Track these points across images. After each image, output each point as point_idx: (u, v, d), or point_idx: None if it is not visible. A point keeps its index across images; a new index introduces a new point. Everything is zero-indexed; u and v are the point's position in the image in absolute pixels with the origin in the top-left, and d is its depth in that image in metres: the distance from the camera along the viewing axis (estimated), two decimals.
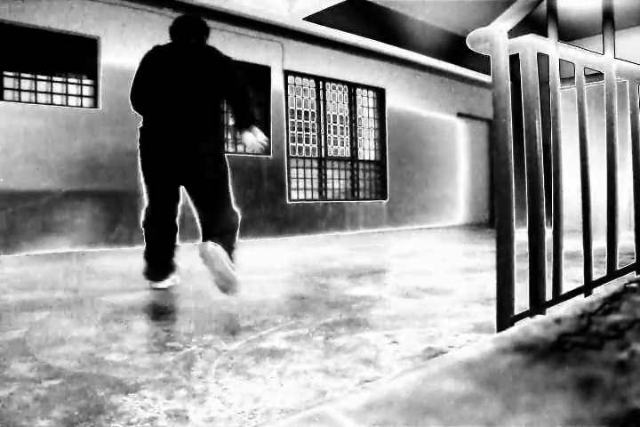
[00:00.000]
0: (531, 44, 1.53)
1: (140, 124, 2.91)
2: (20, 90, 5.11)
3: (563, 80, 1.74)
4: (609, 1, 1.62)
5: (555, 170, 1.53)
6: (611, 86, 1.53)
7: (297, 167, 7.42)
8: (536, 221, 1.47)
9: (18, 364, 1.66)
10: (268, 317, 2.31)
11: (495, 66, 1.46)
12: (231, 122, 6.80)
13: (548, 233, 1.49)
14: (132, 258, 4.62)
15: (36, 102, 5.18)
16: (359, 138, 8.27)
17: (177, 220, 3.00)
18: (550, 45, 1.52)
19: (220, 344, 1.88)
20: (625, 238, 1.91)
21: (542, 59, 1.57)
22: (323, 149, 7.73)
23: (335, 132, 7.95)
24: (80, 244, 5.33)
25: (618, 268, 1.54)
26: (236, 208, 2.93)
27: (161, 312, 2.50)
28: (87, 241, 5.37)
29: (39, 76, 5.23)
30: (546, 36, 1.53)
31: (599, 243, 1.63)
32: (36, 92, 5.20)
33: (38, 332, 2.07)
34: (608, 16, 1.54)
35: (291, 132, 7.35)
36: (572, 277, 2.14)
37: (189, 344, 1.89)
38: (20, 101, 5.08)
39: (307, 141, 7.58)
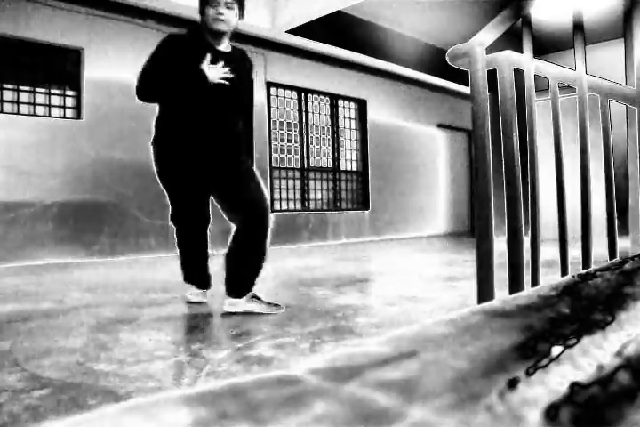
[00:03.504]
0: (507, 59, 1.60)
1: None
2: (1, 100, 5.10)
3: (540, 91, 1.82)
4: (580, 19, 1.70)
5: (532, 177, 1.60)
6: (582, 101, 1.60)
7: (279, 178, 7.46)
8: (514, 229, 1.52)
9: (6, 374, 1.67)
10: (254, 325, 2.34)
11: (474, 81, 1.52)
12: None
13: (527, 241, 1.55)
14: (116, 269, 4.60)
15: (18, 113, 5.16)
16: (341, 149, 8.36)
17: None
18: (526, 61, 1.60)
19: (208, 353, 1.90)
20: (603, 245, 1.98)
21: (520, 71, 1.64)
22: (305, 160, 7.79)
23: (317, 143, 8.03)
24: (63, 255, 5.29)
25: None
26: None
27: (146, 322, 2.51)
28: (70, 252, 5.33)
29: (21, 87, 5.22)
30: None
31: (576, 250, 1.70)
32: (18, 102, 5.19)
33: (26, 342, 2.07)
34: (579, 33, 1.62)
35: (273, 143, 7.40)
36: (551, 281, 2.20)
37: (177, 353, 1.91)
38: (2, 112, 5.06)
39: (289, 152, 7.63)
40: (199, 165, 2.60)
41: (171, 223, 2.84)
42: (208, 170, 2.62)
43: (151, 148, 2.67)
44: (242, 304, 2.60)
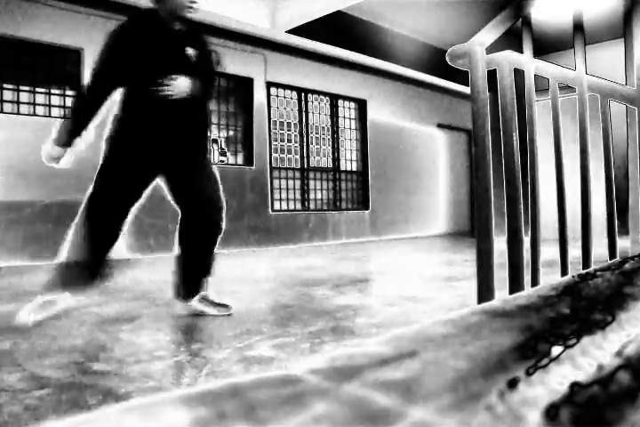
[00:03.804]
0: (507, 59, 1.60)
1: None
2: (1, 100, 5.10)
3: (540, 91, 1.82)
4: (580, 19, 1.70)
5: (532, 177, 1.60)
6: (582, 101, 1.60)
7: (279, 178, 7.46)
8: (514, 229, 1.52)
9: (6, 374, 1.67)
10: (255, 326, 2.34)
11: (474, 81, 1.52)
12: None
13: (527, 241, 1.55)
14: (116, 269, 4.60)
15: (18, 113, 5.16)
16: (341, 149, 8.36)
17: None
18: (526, 61, 1.60)
19: (208, 353, 1.90)
20: (603, 245, 1.98)
21: (520, 71, 1.64)
22: (305, 160, 7.79)
23: (317, 143, 8.02)
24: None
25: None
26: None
27: (146, 322, 2.51)
28: None
29: (21, 87, 5.22)
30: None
31: (577, 250, 1.70)
32: (18, 102, 5.19)
33: (26, 343, 2.07)
34: (579, 33, 1.62)
35: (273, 143, 7.40)
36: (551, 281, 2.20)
37: (177, 353, 1.91)
38: (2, 112, 5.06)
39: (289, 152, 7.63)
40: (154, 146, 2.47)
41: (86, 203, 2.54)
42: (163, 152, 2.49)
43: (111, 128, 2.56)
44: (190, 306, 2.58)
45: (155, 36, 2.44)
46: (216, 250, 2.62)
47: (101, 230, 2.53)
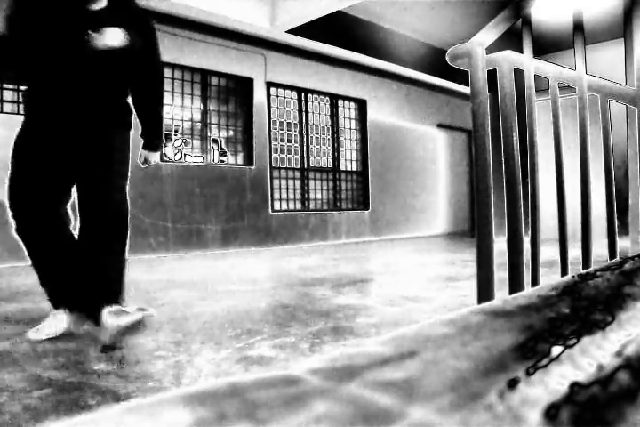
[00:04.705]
0: (507, 59, 1.60)
1: None
2: (1, 100, 5.10)
3: (539, 92, 1.82)
4: (580, 19, 1.70)
5: (532, 177, 1.60)
6: (582, 101, 1.60)
7: (279, 178, 7.46)
8: (514, 229, 1.53)
9: (6, 374, 1.67)
10: (254, 326, 2.34)
11: (474, 81, 1.52)
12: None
13: (527, 241, 1.55)
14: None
15: (18, 113, 5.16)
16: (341, 149, 8.36)
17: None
18: (525, 61, 1.60)
19: (208, 353, 1.90)
20: (603, 245, 1.98)
21: (520, 71, 1.64)
22: (305, 160, 7.79)
23: (317, 143, 8.03)
24: None
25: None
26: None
27: (146, 322, 2.51)
28: None
29: (22, 87, 5.22)
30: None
31: (577, 250, 1.70)
32: (18, 102, 5.19)
33: (26, 342, 2.06)
34: (579, 33, 1.62)
35: (273, 143, 7.40)
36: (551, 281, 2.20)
37: (177, 353, 1.91)
38: (2, 112, 5.06)
39: (289, 152, 7.63)
40: (65, 133, 2.18)
41: (11, 218, 2.16)
42: (73, 140, 2.20)
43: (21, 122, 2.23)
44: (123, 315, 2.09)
45: (53, 14, 2.11)
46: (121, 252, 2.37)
47: (35, 236, 2.16)
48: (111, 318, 2.05)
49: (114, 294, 2.17)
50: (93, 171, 2.22)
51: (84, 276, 2.18)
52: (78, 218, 2.22)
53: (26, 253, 2.19)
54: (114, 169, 2.29)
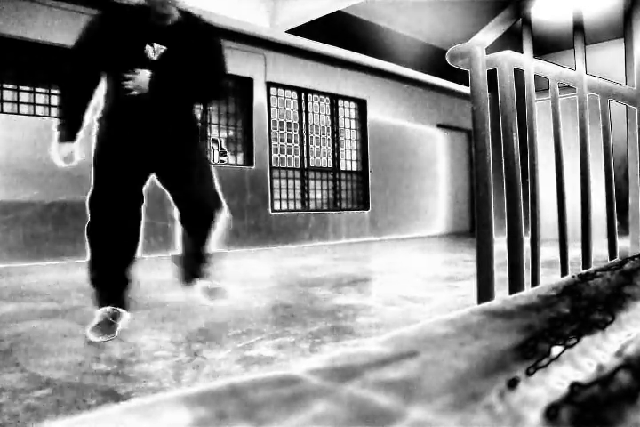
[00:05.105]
0: (507, 59, 1.60)
1: None
2: (1, 100, 5.10)
3: (539, 92, 1.82)
4: (580, 19, 1.70)
5: (532, 177, 1.60)
6: (582, 101, 1.60)
7: (279, 178, 7.46)
8: (514, 229, 1.53)
9: (6, 374, 1.67)
10: (254, 326, 2.34)
11: (474, 81, 1.52)
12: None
13: (527, 241, 1.55)
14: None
15: (18, 113, 5.16)
16: (341, 149, 8.36)
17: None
18: (525, 61, 1.60)
19: (208, 353, 1.90)
20: (603, 245, 1.98)
21: (520, 71, 1.64)
22: (305, 160, 7.79)
23: (317, 143, 8.03)
24: (63, 255, 5.29)
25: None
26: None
27: (146, 322, 2.51)
28: (70, 252, 5.33)
29: (22, 87, 5.22)
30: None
31: (577, 250, 1.70)
32: (18, 102, 5.19)
33: (26, 342, 2.07)
34: (579, 33, 1.62)
35: (273, 143, 7.40)
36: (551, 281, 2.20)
37: (177, 353, 1.91)
38: (2, 112, 5.06)
39: (289, 152, 7.63)
40: (143, 145, 2.38)
41: (88, 209, 2.37)
42: (152, 151, 2.40)
43: (97, 124, 2.44)
44: (191, 288, 2.73)
45: (123, 29, 2.30)
46: (214, 242, 2.68)
47: (112, 234, 2.36)
48: (204, 285, 2.70)
49: (206, 273, 2.73)
50: (192, 177, 2.52)
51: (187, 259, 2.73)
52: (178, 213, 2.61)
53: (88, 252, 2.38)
54: (209, 174, 2.62)
